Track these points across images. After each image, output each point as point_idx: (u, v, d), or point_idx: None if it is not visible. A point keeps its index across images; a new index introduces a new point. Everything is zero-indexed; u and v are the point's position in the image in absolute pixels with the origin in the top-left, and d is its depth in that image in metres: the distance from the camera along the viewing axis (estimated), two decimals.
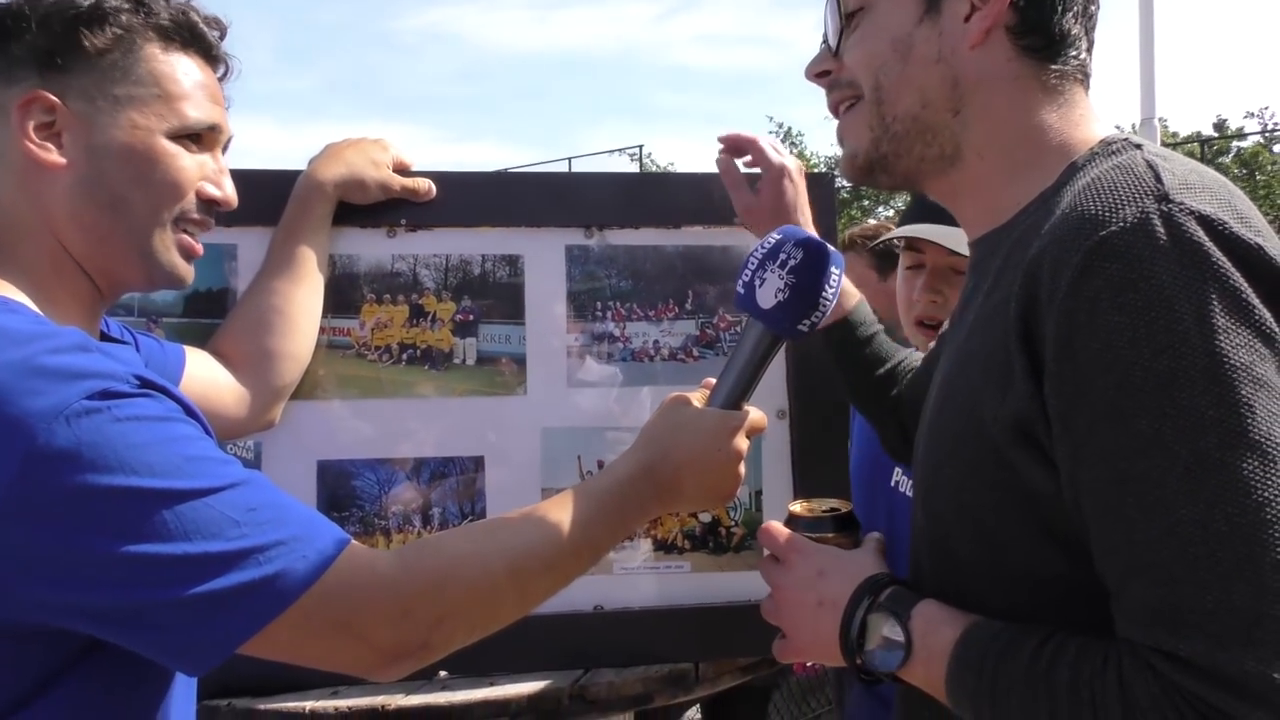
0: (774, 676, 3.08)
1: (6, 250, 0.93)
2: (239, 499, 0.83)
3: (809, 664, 2.59)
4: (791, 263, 1.02)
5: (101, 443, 0.77)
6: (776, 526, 1.04)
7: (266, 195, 1.37)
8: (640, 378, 1.48)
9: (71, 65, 0.93)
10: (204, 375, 1.27)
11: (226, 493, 0.82)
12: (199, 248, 1.02)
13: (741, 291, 1.05)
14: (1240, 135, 20.23)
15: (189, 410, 0.88)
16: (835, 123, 1.05)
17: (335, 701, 1.32)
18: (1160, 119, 5.19)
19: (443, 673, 1.39)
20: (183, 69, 0.98)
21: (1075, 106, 0.95)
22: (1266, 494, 0.72)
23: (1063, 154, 0.93)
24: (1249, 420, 0.73)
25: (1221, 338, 0.73)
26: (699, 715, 3.31)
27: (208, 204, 1.01)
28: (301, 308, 1.36)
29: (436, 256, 1.46)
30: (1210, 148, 18.98)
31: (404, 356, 1.44)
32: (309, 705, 1.31)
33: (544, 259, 1.48)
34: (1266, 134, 20.24)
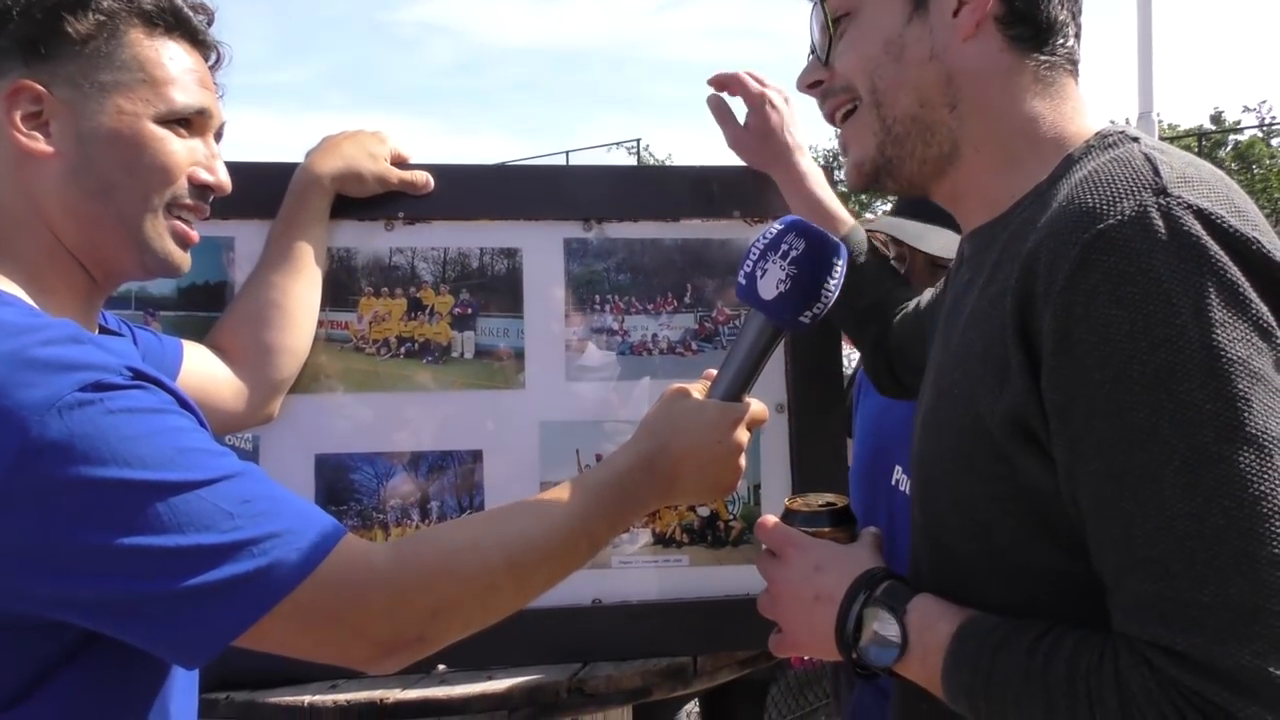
0: (772, 670, 3.08)
1: (0, 242, 0.93)
2: (232, 491, 0.82)
3: (807, 658, 2.59)
4: (793, 253, 1.01)
5: (94, 434, 0.77)
6: (772, 521, 1.04)
7: (263, 187, 1.36)
8: (639, 371, 1.48)
9: (56, 53, 0.92)
10: (202, 369, 1.27)
11: (220, 485, 0.82)
12: (194, 235, 1.01)
13: (743, 282, 1.04)
14: (1237, 129, 20.23)
15: (183, 402, 0.87)
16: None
17: (334, 695, 1.32)
18: (1157, 113, 5.18)
19: (441, 666, 1.39)
20: (169, 54, 0.98)
21: (1067, 99, 0.96)
22: (1263, 488, 0.72)
23: (1057, 146, 0.93)
24: (1246, 414, 0.73)
25: (1218, 332, 0.73)
26: (698, 709, 3.32)
27: (201, 189, 1.00)
28: (300, 301, 1.36)
29: (434, 250, 1.45)
30: (1208, 140, 18.98)
31: (402, 350, 1.44)
32: (308, 699, 1.31)
33: (542, 252, 1.47)
34: (1264, 128, 20.24)
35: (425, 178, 1.43)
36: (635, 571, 1.47)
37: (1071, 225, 0.79)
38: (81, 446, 0.76)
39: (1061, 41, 0.95)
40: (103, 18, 0.93)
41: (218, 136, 1.04)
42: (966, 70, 0.94)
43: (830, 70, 1.01)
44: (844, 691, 2.49)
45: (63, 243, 0.95)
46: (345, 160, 1.39)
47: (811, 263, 1.01)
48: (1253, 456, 0.72)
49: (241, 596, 0.80)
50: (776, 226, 1.04)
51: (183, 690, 0.95)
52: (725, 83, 1.46)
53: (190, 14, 1.00)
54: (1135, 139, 0.88)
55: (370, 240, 1.44)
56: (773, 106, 1.43)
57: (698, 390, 1.09)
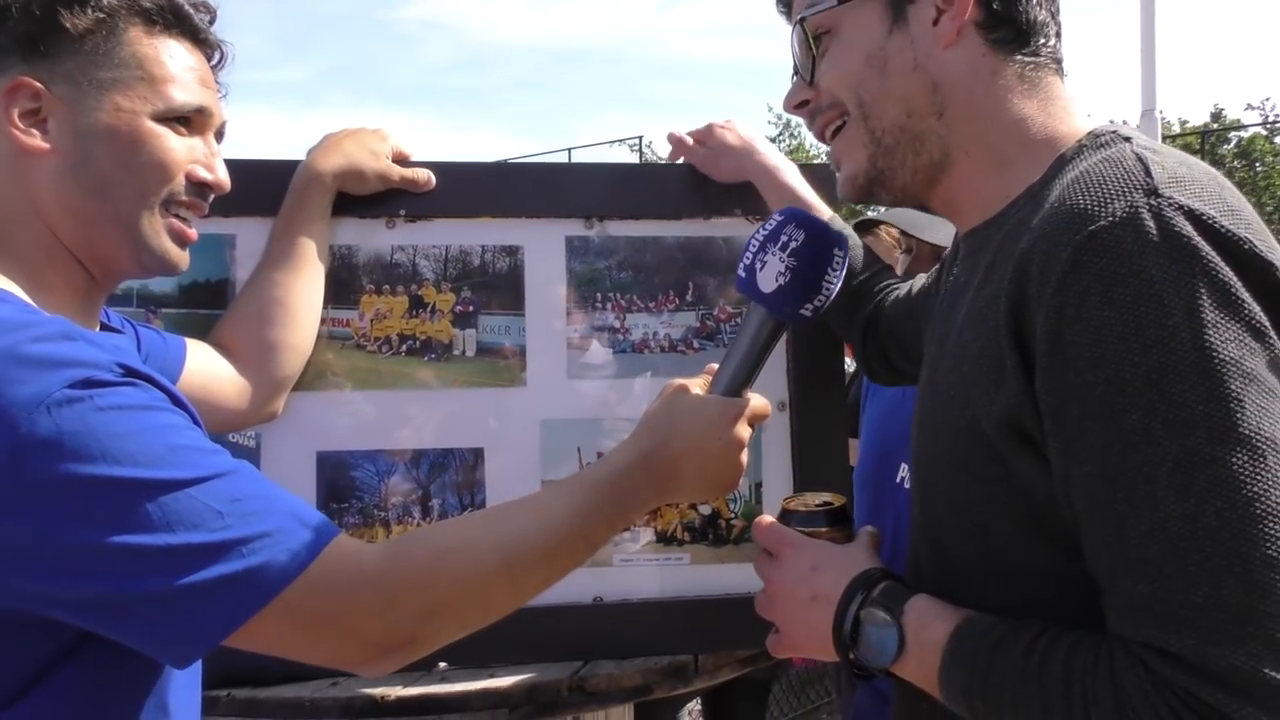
0: (774, 669, 3.08)
1: None
2: (223, 489, 0.82)
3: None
4: (793, 245, 1.01)
5: (83, 431, 0.76)
6: (768, 521, 1.04)
7: (265, 185, 1.36)
8: (640, 369, 1.48)
9: (55, 50, 0.92)
10: (205, 367, 1.27)
11: (211, 483, 0.81)
12: (192, 233, 1.01)
13: (743, 275, 1.03)
14: (1239, 126, 20.20)
15: (176, 399, 0.87)
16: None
17: (335, 692, 1.32)
18: (1160, 110, 5.17)
19: (442, 664, 1.39)
20: (168, 52, 0.97)
21: (1055, 99, 0.96)
22: (1256, 489, 0.72)
23: (1049, 147, 0.93)
24: (1238, 415, 0.72)
25: (1211, 332, 0.73)
26: (699, 707, 3.32)
27: (199, 187, 1.00)
28: (302, 299, 1.36)
29: (436, 247, 1.45)
30: (1212, 138, 18.94)
31: (403, 347, 1.44)
32: (309, 695, 1.31)
33: (544, 250, 1.47)
34: (1268, 125, 20.21)
35: (427, 175, 1.43)
36: (636, 570, 1.47)
37: (1063, 226, 0.79)
38: (70, 444, 0.76)
39: (1044, 41, 0.95)
40: (102, 15, 0.93)
41: (220, 136, 1.04)
42: (951, 77, 0.94)
43: (815, 89, 1.02)
44: (846, 689, 2.49)
45: (60, 240, 0.95)
46: (347, 158, 1.39)
47: (811, 254, 1.01)
48: (1245, 457, 0.72)
49: (230, 596, 0.80)
50: (776, 218, 1.03)
51: (184, 687, 0.95)
52: (675, 140, 1.52)
53: (191, 12, 1.00)
54: (1127, 139, 0.87)
55: (372, 238, 1.44)
56: (721, 127, 1.48)
57: (698, 386, 1.08)
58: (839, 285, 1.03)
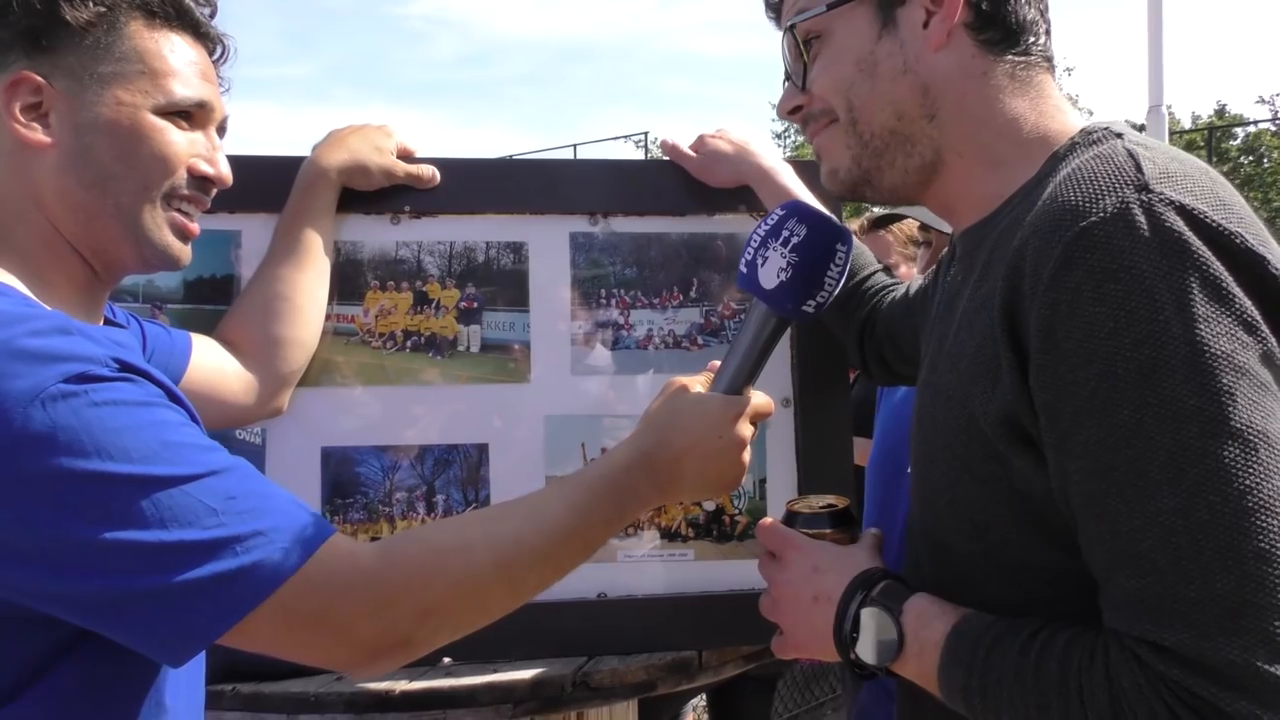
0: (778, 665, 3.08)
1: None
2: (218, 487, 0.81)
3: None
4: (794, 240, 1.00)
5: (78, 426, 0.76)
6: (773, 523, 1.04)
7: (270, 181, 1.37)
8: (644, 365, 1.48)
9: (56, 44, 0.92)
10: (211, 363, 1.27)
11: (206, 480, 0.81)
12: (194, 228, 1.01)
13: (744, 271, 1.02)
14: (1244, 122, 20.11)
15: (173, 395, 0.87)
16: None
17: (340, 687, 1.32)
18: (1168, 106, 5.16)
19: (447, 659, 1.39)
20: (169, 46, 0.98)
21: (1046, 97, 0.96)
22: (1248, 482, 0.72)
23: (1043, 145, 0.93)
24: (1230, 409, 0.72)
25: (1202, 327, 0.73)
26: (704, 704, 3.32)
27: (200, 181, 1.00)
28: (308, 294, 1.36)
29: (440, 243, 1.46)
30: (1217, 134, 18.86)
31: (408, 343, 1.44)
32: (314, 690, 1.31)
33: (548, 246, 1.48)
34: (1276, 120, 20.12)
35: (431, 171, 1.44)
36: (640, 566, 1.47)
37: (1055, 223, 0.79)
38: (64, 438, 0.75)
39: (1034, 40, 0.95)
40: (103, 9, 0.94)
41: (222, 130, 1.04)
42: (941, 79, 0.94)
43: (808, 94, 1.02)
44: (850, 686, 2.49)
45: (62, 234, 0.95)
46: (351, 154, 1.39)
47: (813, 249, 1.00)
48: (1238, 451, 0.72)
49: (224, 595, 0.79)
50: (778, 212, 1.02)
51: (186, 683, 0.95)
52: (670, 148, 1.54)
53: (192, 6, 1.00)
54: (1119, 135, 0.87)
55: (376, 234, 1.44)
56: (712, 136, 1.49)
57: (700, 383, 1.07)
58: (842, 281, 1.02)
